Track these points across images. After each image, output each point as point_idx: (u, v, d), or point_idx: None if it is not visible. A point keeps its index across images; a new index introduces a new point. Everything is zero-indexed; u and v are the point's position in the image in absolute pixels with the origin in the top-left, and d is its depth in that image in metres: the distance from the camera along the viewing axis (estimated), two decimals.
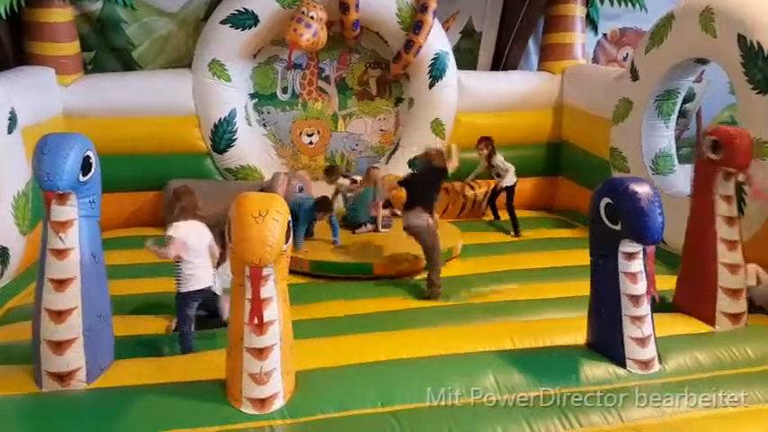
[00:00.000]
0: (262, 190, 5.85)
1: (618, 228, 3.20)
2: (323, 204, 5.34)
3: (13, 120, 4.80)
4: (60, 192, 2.90)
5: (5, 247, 4.47)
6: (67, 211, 2.99)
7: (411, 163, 6.16)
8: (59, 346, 2.96)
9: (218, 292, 3.89)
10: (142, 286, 4.63)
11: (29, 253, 4.55)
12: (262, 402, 2.86)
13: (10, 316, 4.12)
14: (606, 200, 3.24)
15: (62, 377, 3.00)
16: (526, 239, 5.96)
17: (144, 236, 5.74)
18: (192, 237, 3.55)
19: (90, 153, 3.06)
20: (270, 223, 2.65)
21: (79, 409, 2.94)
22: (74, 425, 2.84)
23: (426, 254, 4.65)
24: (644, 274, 3.28)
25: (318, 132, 6.96)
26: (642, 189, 3.16)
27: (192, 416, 2.85)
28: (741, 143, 3.84)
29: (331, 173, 5.98)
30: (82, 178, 2.99)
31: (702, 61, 5.37)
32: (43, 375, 3.01)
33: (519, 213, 6.70)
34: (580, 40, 7.23)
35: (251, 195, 2.83)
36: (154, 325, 3.98)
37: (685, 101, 7.60)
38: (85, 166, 3.01)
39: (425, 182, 4.86)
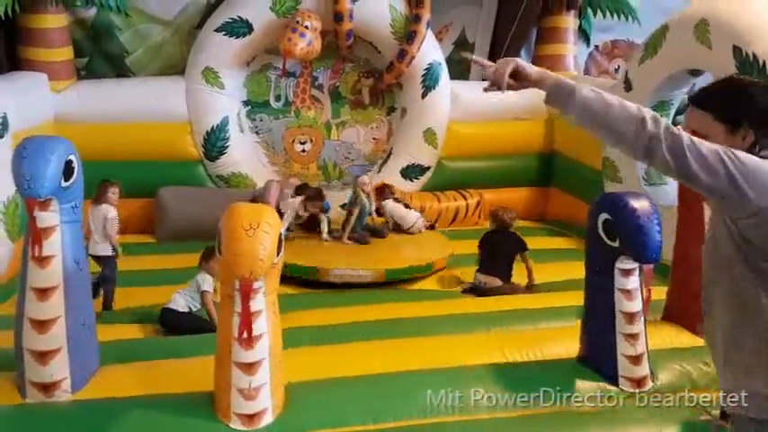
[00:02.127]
0: (254, 198, 5.83)
1: (616, 245, 3.16)
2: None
3: (4, 125, 4.76)
4: (42, 198, 2.84)
5: None
6: (50, 217, 2.93)
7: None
8: (43, 357, 2.89)
9: (180, 310, 3.97)
10: (133, 295, 4.58)
11: (16, 260, 4.50)
12: (250, 418, 2.80)
13: None
14: (605, 215, 3.19)
15: (46, 387, 2.93)
16: None
17: (135, 243, 5.77)
18: None
19: (72, 157, 2.99)
20: (261, 236, 2.61)
21: (64, 422, 2.88)
22: None
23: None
24: (639, 291, 3.25)
25: (311, 140, 6.94)
26: (642, 205, 3.12)
27: (179, 431, 2.80)
28: None
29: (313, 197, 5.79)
30: (64, 183, 2.93)
31: (696, 73, 5.38)
32: (27, 385, 2.94)
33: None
34: (572, 51, 7.26)
35: (241, 207, 2.78)
36: (141, 330, 3.94)
37: (678, 113, 7.64)
38: (67, 170, 2.94)
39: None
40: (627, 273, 3.23)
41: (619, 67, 7.64)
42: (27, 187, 2.80)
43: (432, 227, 6.18)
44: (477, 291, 4.87)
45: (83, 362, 3.04)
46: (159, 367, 3.24)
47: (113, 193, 4.62)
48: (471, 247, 5.79)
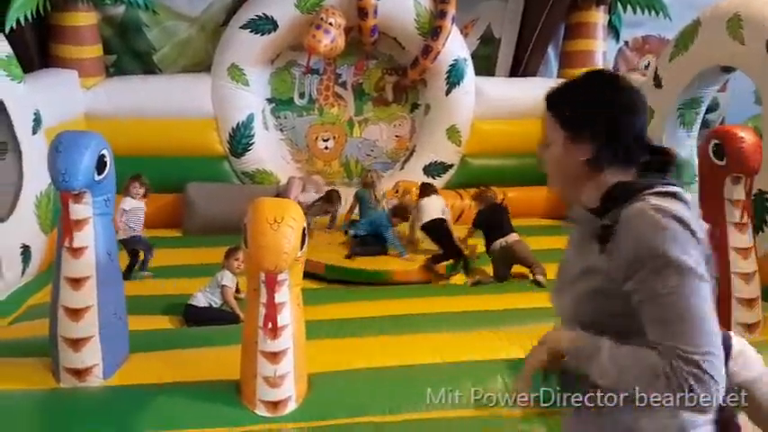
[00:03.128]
0: (278, 194, 5.91)
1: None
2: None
3: (37, 121, 4.88)
4: (76, 191, 2.93)
5: (28, 246, 4.55)
6: (83, 209, 3.02)
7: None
8: (76, 344, 2.99)
9: (201, 305, 4.13)
10: (160, 287, 4.69)
11: (50, 251, 4.62)
12: (275, 405, 2.88)
13: (30, 313, 4.19)
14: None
15: (79, 373, 3.04)
16: (542, 249, 5.91)
17: (163, 237, 5.88)
18: None
19: (105, 152, 3.08)
20: (285, 230, 2.66)
21: (96, 406, 2.99)
22: (91, 420, 2.88)
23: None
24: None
25: (334, 138, 6.99)
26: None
27: (206, 416, 2.88)
28: (748, 145, 3.67)
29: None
30: (97, 177, 3.01)
31: (728, 69, 5.30)
32: (61, 371, 3.05)
33: (537, 222, 6.70)
34: (601, 47, 7.20)
35: (266, 201, 2.84)
36: (170, 321, 4.03)
37: (709, 111, 7.54)
38: (100, 164, 3.03)
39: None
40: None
41: (648, 63, 7.56)
42: (62, 180, 2.89)
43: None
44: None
45: (114, 349, 3.13)
46: (187, 356, 3.32)
47: (134, 187, 5.02)
48: None
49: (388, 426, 2.91)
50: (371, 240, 5.31)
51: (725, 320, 3.79)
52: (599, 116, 1.53)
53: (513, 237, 4.99)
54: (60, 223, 3.04)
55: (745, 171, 3.72)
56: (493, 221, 5.10)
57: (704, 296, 1.41)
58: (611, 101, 1.54)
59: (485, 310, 4.26)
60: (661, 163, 1.55)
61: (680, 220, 1.42)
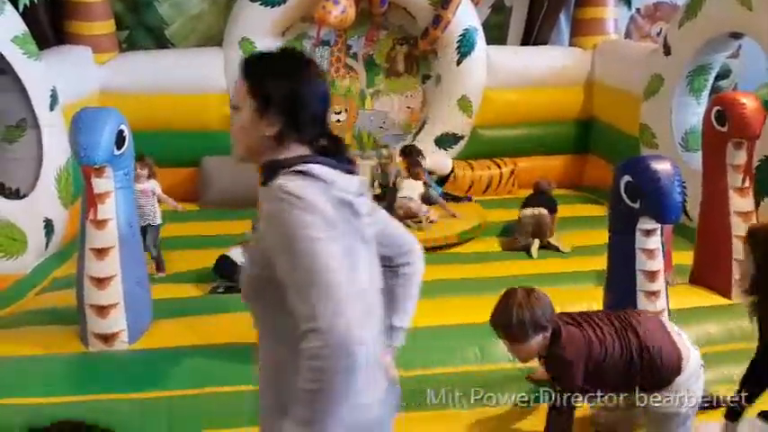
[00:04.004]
0: None
1: (637, 206, 3.24)
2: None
3: (54, 97, 4.98)
4: (97, 165, 3.05)
5: (50, 219, 4.68)
6: (105, 183, 3.14)
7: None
8: (102, 311, 3.16)
9: (237, 261, 4.20)
10: (179, 257, 4.83)
11: (71, 225, 4.76)
12: None
13: (55, 284, 4.35)
14: (627, 178, 3.27)
15: (106, 338, 3.22)
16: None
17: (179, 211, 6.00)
18: None
19: (123, 127, 3.21)
20: None
21: (123, 367, 3.17)
22: (119, 381, 3.07)
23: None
24: (660, 251, 3.33)
25: (346, 110, 7.05)
26: (663, 167, 3.19)
27: (226, 376, 3.05)
28: (749, 111, 3.72)
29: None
30: (116, 152, 3.14)
31: (737, 36, 5.30)
32: (89, 336, 3.23)
33: None
34: (613, 15, 7.15)
35: None
36: (189, 290, 4.17)
37: (720, 78, 7.50)
38: (119, 139, 3.15)
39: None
40: (648, 233, 3.32)
41: (661, 30, 7.50)
42: (83, 155, 3.02)
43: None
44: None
45: (138, 316, 3.30)
46: (206, 321, 3.49)
47: (139, 168, 4.64)
48: (505, 215, 5.91)
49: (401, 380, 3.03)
50: None
51: (726, 281, 3.89)
52: (287, 94, 1.58)
53: (544, 210, 5.26)
54: (84, 197, 3.17)
55: (747, 136, 3.77)
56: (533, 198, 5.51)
57: (328, 264, 1.42)
58: (300, 82, 1.60)
59: (498, 276, 4.36)
60: (334, 147, 1.65)
61: (292, 194, 1.47)
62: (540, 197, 5.46)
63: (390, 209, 5.21)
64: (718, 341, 3.53)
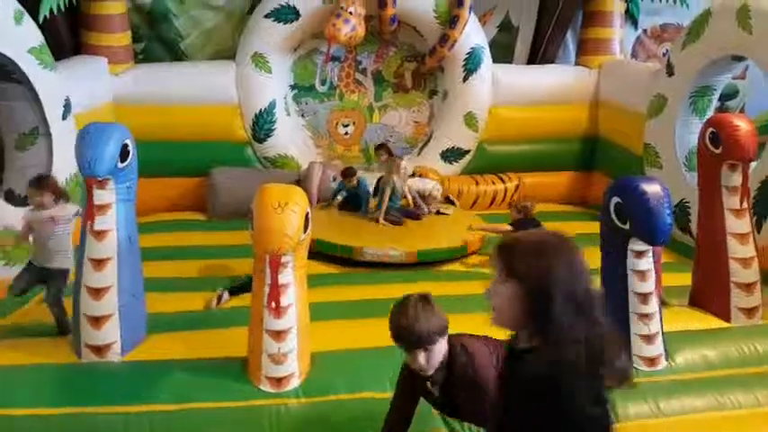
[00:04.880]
0: (299, 179, 6.11)
1: (627, 227, 3.27)
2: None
3: (67, 107, 5.12)
4: (100, 178, 3.15)
5: None
6: (106, 195, 3.24)
7: None
8: (97, 321, 3.22)
9: None
10: (181, 268, 4.89)
11: (77, 233, 4.84)
12: (279, 381, 3.08)
13: None
14: (616, 199, 3.30)
15: (99, 349, 3.27)
16: None
17: (187, 219, 6.12)
18: None
19: (128, 141, 3.30)
20: (289, 214, 2.85)
21: (114, 379, 3.21)
22: (108, 392, 3.11)
23: None
24: (653, 272, 3.34)
25: (354, 123, 7.14)
26: (652, 189, 3.21)
27: (214, 391, 3.09)
28: (742, 133, 3.74)
29: (349, 174, 6.00)
30: (120, 165, 3.24)
31: (739, 58, 5.34)
32: (82, 347, 3.29)
33: (553, 207, 6.79)
34: (618, 35, 7.21)
35: (272, 187, 3.03)
36: (188, 303, 4.22)
37: (728, 98, 7.52)
38: (123, 153, 3.25)
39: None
40: (639, 254, 3.33)
41: (667, 51, 7.54)
42: (87, 167, 3.12)
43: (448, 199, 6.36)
44: None
45: (132, 328, 3.36)
46: (200, 336, 3.54)
47: (37, 195, 3.65)
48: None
49: (386, 401, 3.07)
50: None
51: (723, 304, 3.89)
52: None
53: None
54: (86, 208, 3.28)
55: (741, 158, 3.78)
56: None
57: None
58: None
59: None
60: None
61: None
62: (528, 223, 5.29)
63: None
64: (717, 366, 3.52)
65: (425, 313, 2.42)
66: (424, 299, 2.48)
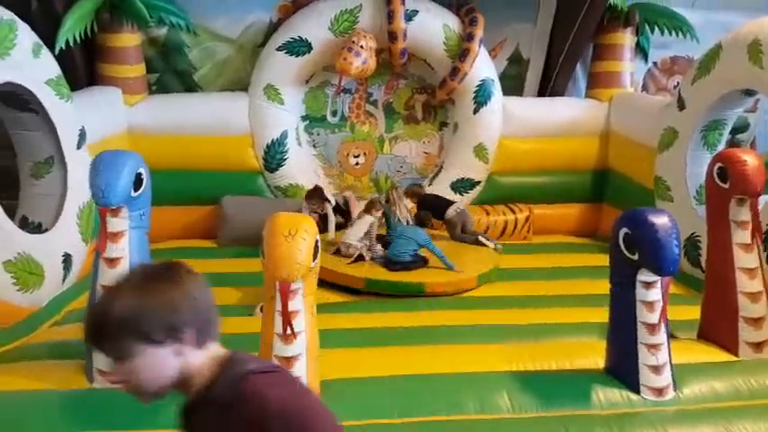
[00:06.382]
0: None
1: (635, 258, 3.29)
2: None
3: (82, 136, 5.21)
4: (113, 206, 3.19)
5: (69, 254, 4.84)
6: (119, 223, 3.28)
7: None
8: None
9: None
10: None
11: (90, 260, 4.90)
12: None
13: (69, 317, 4.47)
14: (625, 230, 3.33)
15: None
16: (565, 266, 6.01)
17: (198, 247, 6.16)
18: None
19: (141, 170, 3.35)
20: (298, 242, 2.88)
21: (126, 404, 3.18)
22: (121, 418, 3.11)
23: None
24: (661, 303, 3.35)
25: (365, 154, 7.20)
26: (660, 220, 3.24)
27: None
28: (750, 168, 3.78)
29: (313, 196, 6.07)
30: (133, 194, 3.28)
31: (750, 93, 5.36)
32: (95, 372, 3.30)
33: (563, 239, 6.80)
34: (629, 68, 7.24)
35: (282, 216, 3.07)
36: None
37: (739, 131, 7.52)
38: (137, 182, 3.29)
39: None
40: (648, 285, 3.35)
41: (678, 83, 7.57)
42: (101, 196, 3.16)
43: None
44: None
45: None
46: None
47: None
48: (520, 261, 5.96)
49: (393, 427, 3.09)
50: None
51: (732, 338, 3.88)
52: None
53: (461, 204, 6.04)
54: (99, 235, 3.31)
55: (748, 193, 3.81)
56: (436, 200, 6.17)
57: None
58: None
59: (501, 325, 4.39)
60: None
61: None
62: (431, 199, 6.06)
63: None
64: (724, 397, 3.51)
65: (126, 292, 1.51)
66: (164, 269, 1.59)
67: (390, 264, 5.22)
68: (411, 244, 5.26)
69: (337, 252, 5.40)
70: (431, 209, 6.16)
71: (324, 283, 4.82)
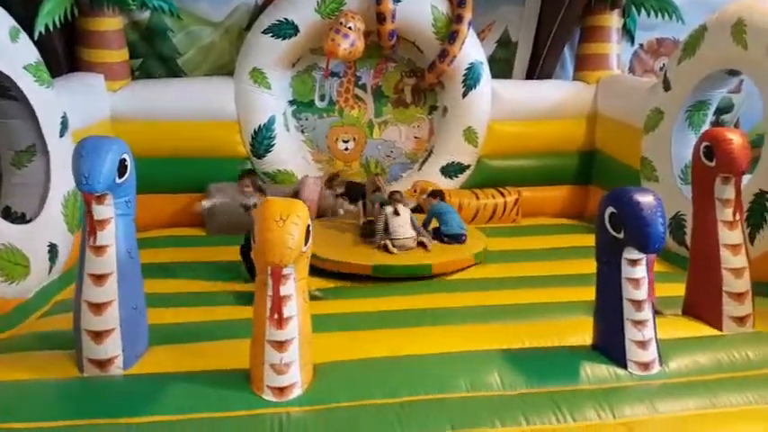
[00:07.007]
0: (295, 193, 6.12)
1: (621, 236, 3.33)
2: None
3: (64, 124, 5.11)
4: (98, 193, 3.14)
5: (55, 244, 4.76)
6: (105, 210, 3.23)
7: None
8: (98, 336, 3.21)
9: None
10: (183, 283, 4.90)
11: (76, 249, 4.84)
12: (281, 391, 3.10)
13: (57, 308, 4.42)
14: (610, 209, 3.36)
15: (101, 364, 3.26)
16: (553, 247, 6.03)
17: (185, 235, 6.11)
18: None
19: (126, 156, 3.28)
20: (290, 227, 2.87)
21: (117, 393, 3.21)
22: (111, 406, 3.10)
23: None
24: (646, 280, 3.40)
25: (354, 139, 7.16)
26: (645, 199, 3.28)
27: (218, 401, 3.10)
28: (735, 147, 3.82)
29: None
30: (118, 180, 3.22)
31: (734, 73, 5.38)
32: (84, 362, 3.28)
33: (550, 221, 6.84)
34: (616, 50, 7.26)
35: (274, 201, 3.05)
36: (189, 317, 4.22)
37: (723, 112, 7.56)
38: (121, 168, 3.24)
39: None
40: (634, 262, 3.40)
41: (664, 65, 7.59)
42: (85, 183, 3.09)
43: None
44: None
45: (133, 341, 3.35)
46: (202, 348, 3.55)
47: None
48: (508, 243, 5.97)
49: (386, 407, 3.12)
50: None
51: (716, 313, 3.97)
52: None
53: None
54: (84, 223, 3.26)
55: (734, 171, 3.86)
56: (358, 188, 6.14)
57: None
58: None
59: (493, 305, 4.43)
60: None
61: None
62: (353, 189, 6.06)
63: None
64: (708, 371, 3.59)
65: None
66: None
67: (453, 238, 5.49)
68: (458, 217, 5.59)
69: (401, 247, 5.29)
70: (354, 193, 6.15)
71: (331, 274, 4.99)
